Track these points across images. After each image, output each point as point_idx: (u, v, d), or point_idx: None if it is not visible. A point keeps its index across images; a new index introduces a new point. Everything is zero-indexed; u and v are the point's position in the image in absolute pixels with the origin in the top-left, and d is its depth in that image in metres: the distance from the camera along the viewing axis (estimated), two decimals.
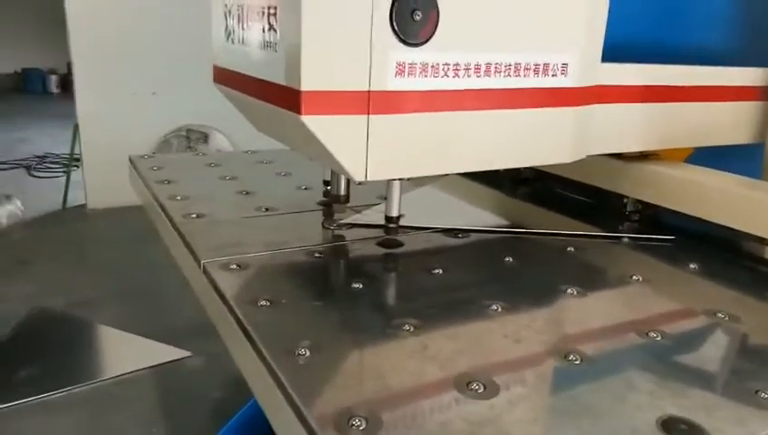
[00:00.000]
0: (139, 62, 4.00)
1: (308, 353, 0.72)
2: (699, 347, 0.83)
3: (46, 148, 5.91)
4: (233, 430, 1.49)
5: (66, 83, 10.28)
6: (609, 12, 1.05)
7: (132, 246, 3.54)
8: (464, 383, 0.67)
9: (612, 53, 1.12)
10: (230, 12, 1.07)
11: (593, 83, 1.08)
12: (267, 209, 1.28)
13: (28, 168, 5.34)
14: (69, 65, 9.98)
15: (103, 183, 4.09)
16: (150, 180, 1.47)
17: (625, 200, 1.34)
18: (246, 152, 1.85)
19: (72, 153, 4.20)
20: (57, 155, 5.61)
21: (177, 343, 2.40)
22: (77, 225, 3.96)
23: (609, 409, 0.66)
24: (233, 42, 1.07)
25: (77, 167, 4.33)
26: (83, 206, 4.17)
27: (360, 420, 0.60)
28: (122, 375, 2.22)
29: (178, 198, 1.33)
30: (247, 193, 1.41)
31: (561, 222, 1.34)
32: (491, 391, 0.67)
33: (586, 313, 0.89)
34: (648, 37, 1.46)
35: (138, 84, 4.01)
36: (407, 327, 0.80)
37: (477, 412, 0.63)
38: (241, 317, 0.81)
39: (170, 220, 1.22)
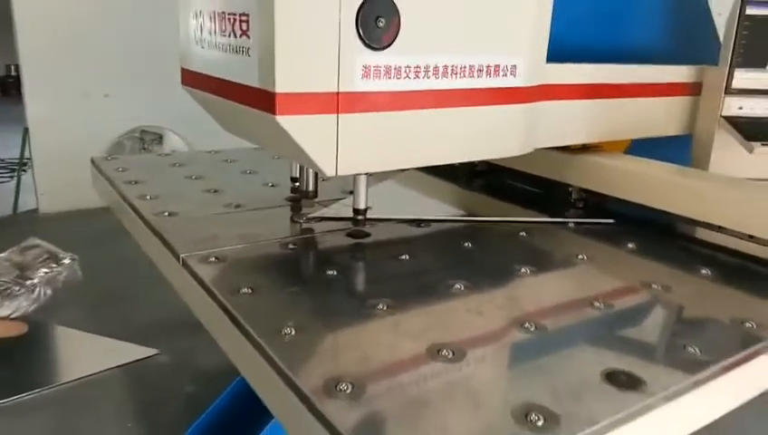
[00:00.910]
0: (91, 63, 3.93)
1: (293, 332, 0.79)
2: (637, 313, 0.94)
3: None
4: (206, 422, 1.54)
5: (5, 87, 9.88)
6: (553, 16, 1.16)
7: (89, 248, 3.48)
8: (435, 351, 0.76)
9: (557, 54, 1.22)
10: (199, 16, 1.12)
11: (540, 82, 1.18)
12: (237, 206, 1.34)
13: None
14: (8, 67, 9.67)
15: (55, 187, 4.00)
16: (117, 181, 1.50)
17: (570, 189, 1.46)
18: (209, 152, 1.89)
19: (21, 157, 4.09)
20: (3, 160, 5.44)
21: (142, 343, 2.41)
22: (29, 229, 3.85)
23: (561, 366, 0.75)
24: (202, 46, 1.12)
25: (25, 171, 4.22)
26: (35, 210, 4.08)
27: (346, 386, 0.67)
28: (90, 376, 2.22)
29: (148, 197, 1.37)
30: (215, 191, 1.45)
31: (514, 211, 1.44)
32: (459, 356, 0.75)
33: (538, 288, 0.99)
34: (589, 39, 1.58)
35: (90, 86, 3.95)
36: (380, 307, 0.88)
37: (448, 374, 0.72)
38: (226, 304, 0.87)
39: (143, 219, 1.25)
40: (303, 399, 0.67)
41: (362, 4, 0.90)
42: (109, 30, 3.94)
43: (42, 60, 3.80)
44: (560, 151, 1.41)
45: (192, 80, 1.19)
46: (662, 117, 1.52)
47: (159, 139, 3.98)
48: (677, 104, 1.54)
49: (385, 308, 0.87)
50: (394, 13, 0.94)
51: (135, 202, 1.33)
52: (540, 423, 0.63)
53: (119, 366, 2.27)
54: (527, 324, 0.84)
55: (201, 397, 1.84)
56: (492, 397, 0.69)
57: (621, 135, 1.48)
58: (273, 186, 1.52)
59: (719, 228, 1.22)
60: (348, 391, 0.67)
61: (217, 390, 1.57)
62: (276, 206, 1.36)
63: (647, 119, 1.49)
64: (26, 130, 3.90)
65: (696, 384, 0.73)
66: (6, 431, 1.99)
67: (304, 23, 0.87)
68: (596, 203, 1.44)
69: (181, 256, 1.04)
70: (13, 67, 9.73)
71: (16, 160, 4.32)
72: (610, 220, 1.34)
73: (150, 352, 2.37)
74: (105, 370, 2.26)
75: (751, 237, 1.16)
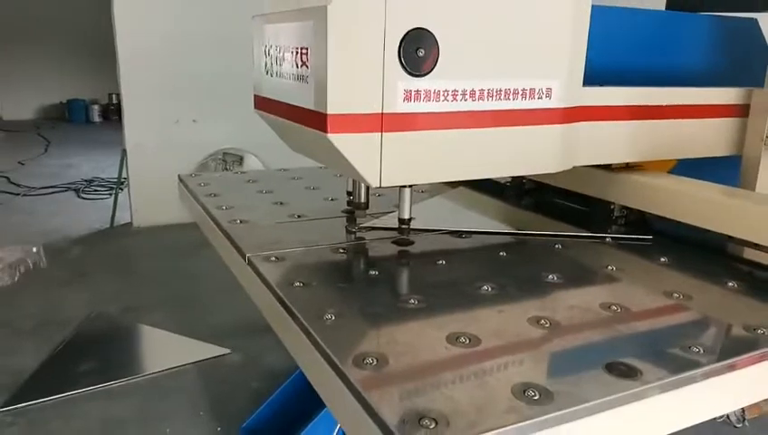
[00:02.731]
0: (182, 93, 4.35)
1: (333, 318, 0.92)
2: (650, 315, 1.00)
3: (92, 173, 6.34)
4: (264, 413, 1.69)
5: (107, 113, 10.83)
6: (599, 41, 1.24)
7: (175, 259, 3.83)
8: (454, 338, 0.86)
9: (604, 77, 1.30)
10: (268, 51, 1.29)
11: (576, 104, 1.27)
12: (299, 216, 1.50)
13: (77, 190, 5.75)
14: (110, 96, 10.62)
15: (147, 204, 4.42)
16: (199, 194, 1.70)
17: (612, 206, 1.52)
18: (279, 170, 2.08)
19: (119, 176, 4.54)
20: (103, 179, 6.03)
21: (217, 343, 2.63)
22: (125, 241, 4.28)
23: (565, 356, 0.84)
24: (271, 75, 1.30)
25: (122, 189, 4.67)
26: (129, 224, 4.50)
27: (372, 359, 0.79)
28: (170, 369, 2.47)
29: (224, 207, 1.56)
30: (282, 204, 1.62)
31: (556, 226, 1.52)
32: (474, 343, 0.86)
33: (563, 293, 1.07)
34: (639, 62, 1.64)
35: (180, 113, 4.36)
36: (412, 301, 0.99)
37: (462, 356, 0.82)
38: (280, 294, 1.01)
39: (218, 225, 1.44)
40: (336, 369, 0.79)
41: (404, 36, 1.03)
42: (197, 62, 4.35)
43: (139, 90, 4.25)
44: (603, 170, 1.48)
45: (263, 104, 1.37)
46: (708, 138, 1.55)
47: (240, 160, 4.30)
48: (725, 125, 1.56)
49: (416, 303, 0.99)
50: (433, 44, 1.06)
51: (213, 211, 1.52)
52: (536, 398, 0.72)
53: (194, 362, 2.49)
54: (542, 321, 0.93)
55: (265, 391, 2.01)
56: (497, 376, 0.79)
57: (664, 155, 1.52)
58: (332, 200, 1.67)
59: (756, 246, 1.25)
60: (373, 364, 0.79)
61: (279, 385, 1.73)
62: (333, 217, 1.51)
63: (691, 139, 1.52)
64: (124, 152, 4.34)
65: (693, 379, 0.79)
66: (100, 411, 2.25)
67: (353, 53, 1.01)
68: (637, 220, 1.49)
69: (247, 255, 1.20)
70: (114, 96, 10.69)
71: (114, 180, 4.78)
72: (649, 237, 1.39)
73: (223, 350, 2.58)
74: (182, 365, 2.50)
75: None
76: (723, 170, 1.56)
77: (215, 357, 2.55)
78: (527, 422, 0.68)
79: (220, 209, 1.55)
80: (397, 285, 1.15)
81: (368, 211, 1.43)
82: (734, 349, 0.86)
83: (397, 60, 1.04)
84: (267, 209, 1.57)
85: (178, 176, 1.98)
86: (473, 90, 1.12)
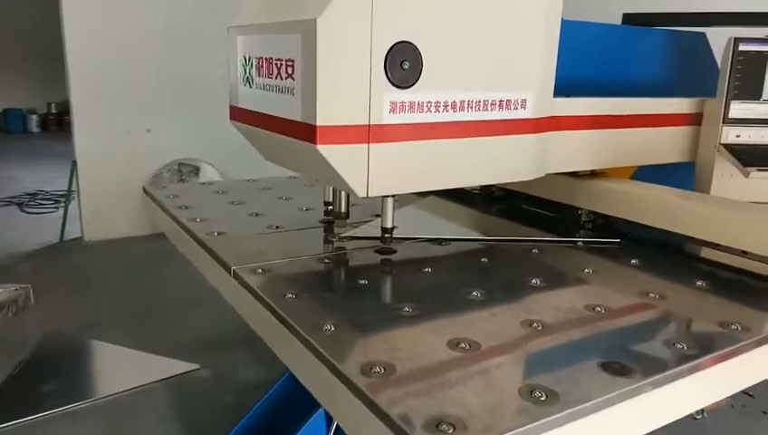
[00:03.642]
0: (135, 101, 4.22)
1: (333, 329, 0.93)
2: (632, 315, 1.05)
3: (35, 186, 6.06)
4: (247, 424, 1.66)
5: (46, 123, 10.38)
6: (563, 54, 1.30)
7: (131, 273, 3.71)
8: (454, 343, 0.89)
9: (568, 88, 1.36)
10: (248, 62, 1.29)
11: (548, 114, 1.32)
12: (278, 227, 1.49)
13: (20, 205, 5.48)
14: (48, 105, 10.19)
15: (99, 217, 4.26)
16: (170, 206, 1.67)
17: (580, 212, 1.58)
18: (247, 181, 2.06)
19: (69, 189, 4.36)
20: (47, 192, 5.77)
21: (184, 359, 2.56)
22: (76, 256, 4.11)
23: (562, 357, 0.87)
24: (250, 86, 1.29)
25: (68, 202, 4.49)
26: (80, 238, 4.33)
27: (380, 368, 0.81)
28: (137, 388, 2.38)
29: (198, 220, 1.53)
30: (257, 214, 1.61)
31: (527, 232, 1.57)
32: (474, 348, 0.88)
33: (547, 296, 1.12)
34: (598, 74, 1.72)
35: (133, 122, 4.23)
36: (406, 309, 1.01)
37: (465, 360, 0.85)
38: (274, 306, 1.01)
39: (195, 238, 1.41)
40: (344, 380, 0.80)
41: (390, 49, 1.05)
42: (151, 69, 4.24)
43: (90, 98, 4.10)
44: (570, 177, 1.54)
45: (240, 115, 1.36)
46: (665, 145, 1.64)
47: (196, 171, 4.22)
48: (680, 134, 1.65)
49: (410, 310, 1.01)
50: (417, 56, 1.09)
51: (188, 224, 1.49)
52: (543, 399, 0.75)
53: (163, 380, 2.42)
54: (535, 324, 0.96)
55: (239, 406, 1.98)
56: (503, 379, 0.81)
57: (626, 162, 1.60)
58: (307, 210, 1.67)
59: (716, 246, 1.33)
60: (381, 373, 0.80)
61: (254, 399, 1.70)
62: (312, 227, 1.51)
63: (650, 147, 1.61)
64: (74, 163, 4.17)
65: (681, 374, 0.85)
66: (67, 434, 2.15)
67: (341, 66, 1.03)
68: (604, 225, 1.56)
69: (232, 268, 1.19)
70: (53, 105, 10.25)
71: (60, 192, 4.58)
72: (617, 240, 1.46)
73: (192, 366, 2.52)
74: (150, 383, 2.42)
75: (744, 253, 1.27)
76: (678, 176, 1.66)
77: (183, 373, 2.48)
78: (539, 422, 0.71)
79: (194, 222, 1.52)
80: (388, 293, 1.16)
81: (348, 220, 1.44)
82: (713, 344, 0.92)
83: (383, 72, 1.06)
84: (244, 221, 1.56)
85: (144, 188, 1.94)
86: (454, 101, 1.16)
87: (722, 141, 1.58)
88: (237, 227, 1.49)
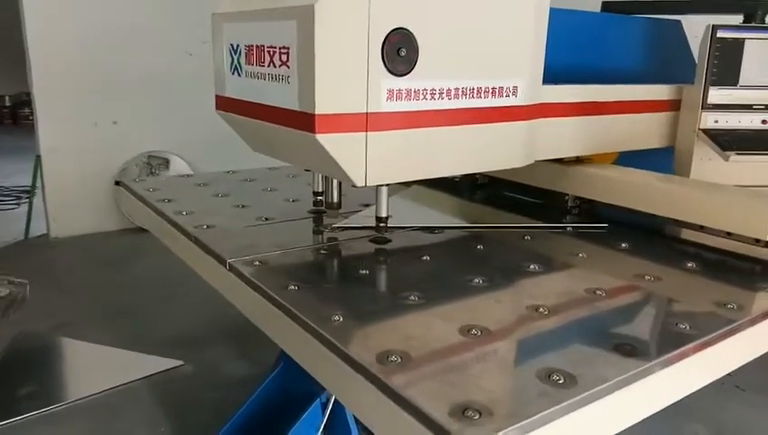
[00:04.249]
0: (101, 93, 4.08)
1: (341, 319, 0.92)
2: (634, 297, 1.07)
3: None
4: (236, 425, 1.64)
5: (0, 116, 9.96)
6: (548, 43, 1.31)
7: (102, 269, 3.61)
8: (465, 330, 0.89)
9: (550, 75, 1.37)
10: (236, 49, 1.26)
11: (538, 101, 1.33)
12: (267, 219, 1.47)
13: None
14: (2, 98, 9.73)
15: (66, 212, 4.11)
16: (152, 200, 1.62)
17: (566, 197, 1.60)
18: (228, 172, 2.02)
19: (33, 184, 4.20)
20: (6, 188, 5.54)
21: (166, 356, 2.51)
22: (43, 253, 3.97)
23: (575, 339, 0.88)
24: (239, 75, 1.26)
25: (32, 198, 4.32)
26: (46, 235, 4.17)
27: (396, 357, 0.80)
28: (119, 386, 2.32)
29: (184, 213, 1.49)
30: (244, 206, 1.58)
31: (515, 219, 1.58)
32: (486, 334, 0.88)
33: (547, 281, 1.13)
34: (579, 61, 1.74)
35: (99, 115, 4.09)
36: (412, 298, 1.00)
37: (479, 346, 0.85)
38: (279, 299, 0.99)
39: (184, 232, 1.38)
40: (361, 370, 0.79)
41: (387, 35, 1.04)
42: (117, 60, 4.09)
43: (54, 90, 3.93)
44: (555, 163, 1.56)
45: (228, 105, 1.32)
46: (647, 131, 1.68)
47: (166, 163, 4.11)
48: (660, 120, 1.69)
49: (416, 299, 1.00)
50: (414, 44, 1.08)
51: (174, 218, 1.45)
52: (561, 382, 0.76)
53: (145, 377, 2.36)
54: (541, 309, 0.97)
55: (226, 402, 1.94)
56: (519, 364, 0.82)
57: (611, 148, 1.63)
58: (294, 201, 1.65)
59: (701, 228, 1.36)
60: (397, 362, 0.79)
61: (241, 394, 1.68)
62: (302, 218, 1.49)
63: (633, 133, 1.65)
64: (38, 158, 4.01)
65: (687, 354, 0.87)
66: None
67: (338, 54, 1.01)
68: (588, 210, 1.58)
69: (228, 261, 1.16)
70: (7, 98, 9.84)
71: (20, 188, 4.41)
72: (604, 225, 1.48)
73: (175, 363, 2.46)
74: (132, 381, 2.36)
75: (729, 234, 1.31)
76: (653, 161, 1.69)
77: (167, 370, 2.43)
78: (560, 405, 0.72)
79: (180, 215, 1.48)
80: (390, 282, 1.16)
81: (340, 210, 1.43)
82: (713, 324, 0.95)
83: (380, 59, 1.05)
84: (231, 213, 1.53)
85: (119, 181, 1.88)
86: (449, 89, 1.16)
87: (701, 127, 1.62)
88: (225, 219, 1.45)
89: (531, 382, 0.76)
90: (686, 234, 1.42)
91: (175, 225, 1.43)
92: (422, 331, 0.90)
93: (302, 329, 0.92)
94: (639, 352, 0.84)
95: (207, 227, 1.38)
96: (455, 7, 1.12)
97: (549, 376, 0.77)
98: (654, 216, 1.40)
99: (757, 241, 1.27)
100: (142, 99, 4.17)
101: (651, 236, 1.44)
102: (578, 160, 1.60)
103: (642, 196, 1.42)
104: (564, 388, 0.75)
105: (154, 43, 4.18)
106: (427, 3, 1.08)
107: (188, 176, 2.02)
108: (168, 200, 1.62)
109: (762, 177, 1.60)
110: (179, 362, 2.45)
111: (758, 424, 2.36)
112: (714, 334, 0.91)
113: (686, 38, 1.91)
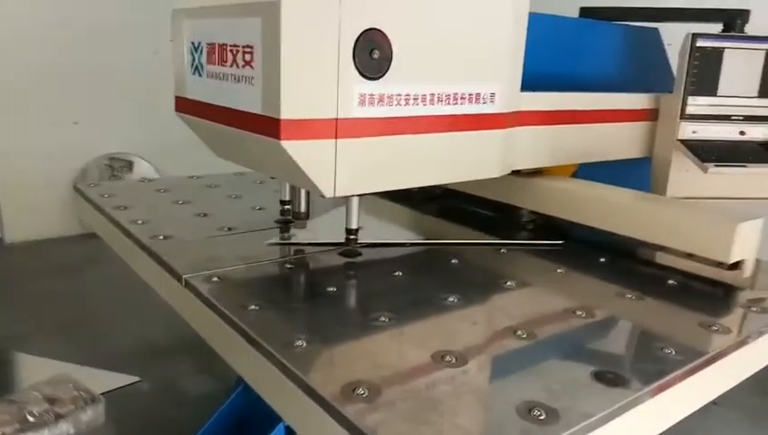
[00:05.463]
0: (59, 92, 3.90)
1: (304, 345, 0.84)
2: (613, 318, 1.02)
3: None
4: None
5: None
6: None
7: (57, 278, 3.44)
8: (439, 357, 0.82)
9: (526, 81, 1.31)
10: (197, 48, 1.17)
11: (515, 109, 1.28)
12: (230, 229, 1.38)
13: None
14: None
15: (21, 217, 3.93)
16: (105, 206, 1.51)
17: (521, 212, 1.53)
18: (191, 177, 1.92)
19: None
20: None
21: (122, 371, 2.38)
22: None
23: (552, 368, 0.82)
24: (199, 75, 1.17)
25: None
26: (0, 240, 3.98)
27: (363, 390, 0.73)
28: None
29: (140, 222, 1.40)
30: (205, 215, 1.49)
31: (467, 234, 1.49)
32: (461, 361, 0.81)
33: (523, 299, 1.07)
34: (557, 68, 1.69)
35: (57, 115, 3.91)
36: (383, 319, 0.93)
37: (454, 377, 0.78)
38: (237, 321, 0.91)
39: (138, 243, 1.28)
40: (323, 404, 0.72)
41: (359, 36, 0.97)
42: (77, 57, 3.92)
43: (8, 88, 3.76)
44: (511, 175, 1.45)
45: (188, 107, 1.23)
46: (625, 141, 1.64)
47: (129, 166, 3.96)
48: (637, 129, 1.65)
49: (387, 320, 0.93)
50: (387, 45, 1.01)
51: (128, 227, 1.35)
52: (542, 417, 0.69)
53: (101, 394, 2.23)
54: (519, 332, 0.91)
55: (186, 420, 1.84)
56: (497, 397, 0.75)
57: (588, 158, 1.58)
58: (259, 209, 1.56)
59: (662, 248, 1.28)
60: (364, 396, 0.72)
61: (202, 412, 1.58)
62: (267, 228, 1.40)
63: (611, 143, 1.60)
64: None
65: (674, 381, 0.81)
66: None
67: (306, 55, 0.93)
68: (544, 225, 1.50)
69: (184, 277, 1.07)
70: None
71: None
72: (560, 241, 1.41)
73: (132, 379, 2.34)
74: None
75: (690, 256, 1.23)
76: (628, 173, 1.64)
77: (123, 387, 2.30)
78: None
79: (135, 224, 1.38)
80: (360, 301, 1.08)
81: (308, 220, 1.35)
82: (699, 347, 0.90)
83: (351, 61, 0.98)
84: (191, 223, 1.43)
85: (75, 186, 1.76)
86: (424, 94, 1.09)
87: (679, 137, 1.59)
88: (185, 229, 1.36)
89: (511, 419, 0.69)
90: (649, 254, 1.35)
91: (129, 234, 1.33)
92: (393, 359, 0.83)
93: (262, 355, 0.84)
94: (623, 382, 0.78)
95: (164, 237, 1.29)
96: (431, 8, 1.05)
97: (530, 411, 0.70)
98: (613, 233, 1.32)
99: (720, 264, 1.16)
100: (106, 98, 4.00)
101: (612, 253, 1.34)
102: (535, 172, 1.52)
103: (598, 212, 1.32)
104: (546, 425, 0.69)
105: (118, 41, 4.01)
106: (403, 2, 1.02)
107: (149, 181, 1.90)
108: (125, 207, 1.51)
109: (740, 189, 1.58)
110: (136, 379, 2.33)
111: None
112: (700, 360, 0.85)
113: (663, 46, 1.88)
